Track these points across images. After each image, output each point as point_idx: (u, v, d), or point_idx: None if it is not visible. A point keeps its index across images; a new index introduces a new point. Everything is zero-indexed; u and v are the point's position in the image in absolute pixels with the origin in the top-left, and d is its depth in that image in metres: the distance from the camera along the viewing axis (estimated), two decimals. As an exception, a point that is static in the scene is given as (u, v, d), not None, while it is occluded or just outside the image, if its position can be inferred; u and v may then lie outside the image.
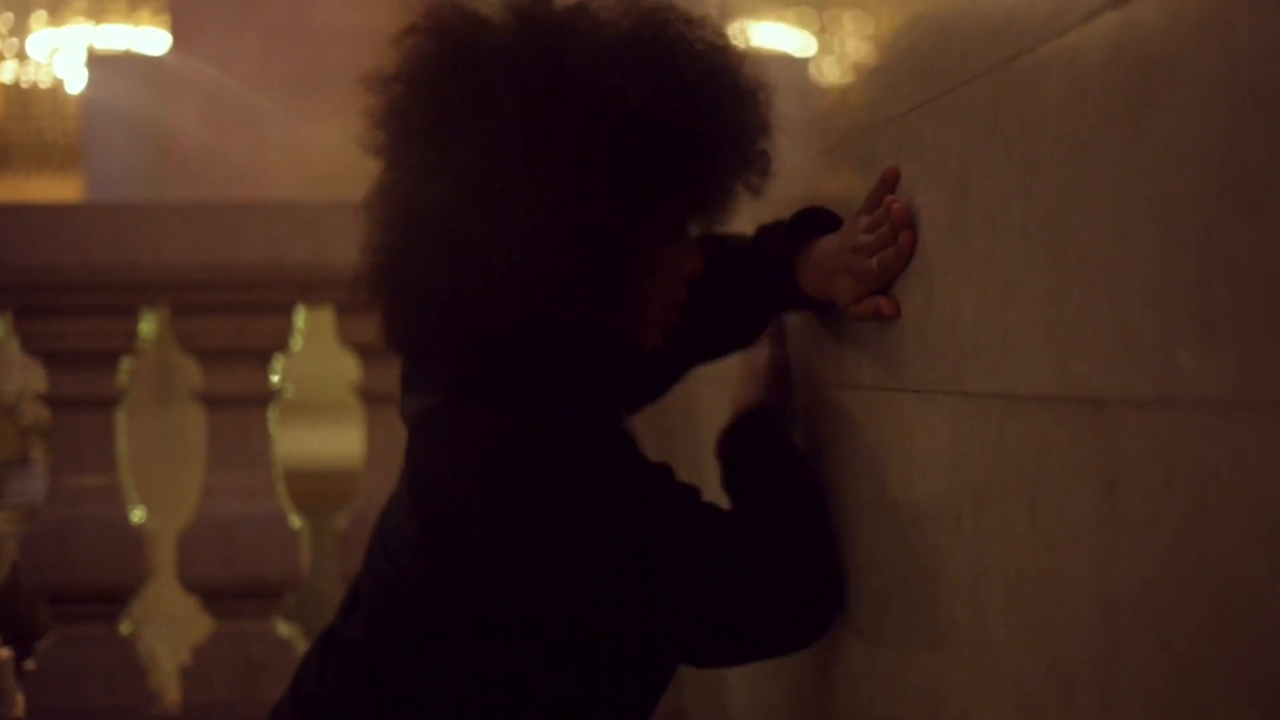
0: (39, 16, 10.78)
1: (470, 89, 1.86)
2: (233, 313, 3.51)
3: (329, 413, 4.84)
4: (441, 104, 1.88)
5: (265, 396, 3.59)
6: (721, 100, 1.91)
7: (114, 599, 3.60)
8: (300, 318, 3.56)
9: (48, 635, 3.60)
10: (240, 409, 3.59)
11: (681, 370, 2.32)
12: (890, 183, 1.80)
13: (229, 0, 10.33)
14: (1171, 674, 1.13)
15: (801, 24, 2.15)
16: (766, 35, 2.42)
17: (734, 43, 1.94)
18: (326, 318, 3.59)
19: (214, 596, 3.59)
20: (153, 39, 10.67)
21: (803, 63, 2.15)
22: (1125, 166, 1.19)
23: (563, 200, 1.82)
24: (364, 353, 3.58)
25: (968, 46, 1.55)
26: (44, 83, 11.00)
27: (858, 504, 1.91)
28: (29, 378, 4.88)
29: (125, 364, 3.59)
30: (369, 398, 3.63)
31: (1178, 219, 1.10)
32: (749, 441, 2.16)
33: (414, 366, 2.08)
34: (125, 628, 3.61)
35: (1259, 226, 1.00)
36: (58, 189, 10.85)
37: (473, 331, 1.88)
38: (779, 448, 2.14)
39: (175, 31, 10.41)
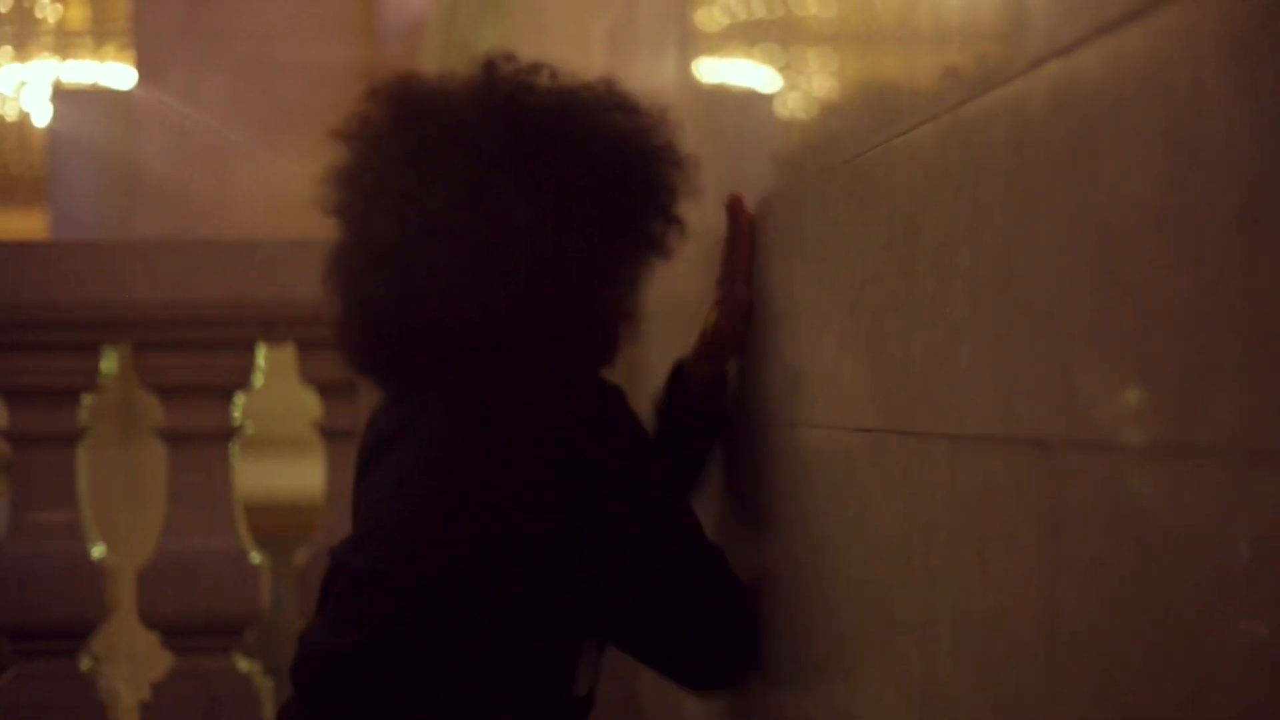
0: (5, 51, 10.77)
1: (429, 152, 1.98)
2: (195, 350, 3.51)
3: (291, 448, 4.83)
4: (402, 165, 2.00)
5: (226, 433, 3.59)
6: (657, 157, 2.14)
7: (74, 635, 3.58)
8: (262, 355, 3.56)
9: (7, 671, 3.58)
10: (201, 445, 3.59)
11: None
12: (735, 209, 2.10)
13: (194, 37, 10.35)
14: (1116, 714, 1.14)
15: (766, 61, 2.17)
16: (728, 72, 2.44)
17: (663, 117, 2.17)
18: (288, 355, 3.59)
19: (174, 632, 3.58)
20: (118, 75, 10.67)
21: (765, 100, 2.17)
22: (1069, 212, 1.20)
23: (553, 228, 2.01)
24: (324, 389, 3.58)
25: (918, 91, 1.57)
26: (10, 116, 10.99)
27: (810, 544, 1.92)
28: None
29: (87, 401, 3.58)
30: (329, 434, 3.63)
31: (1119, 265, 1.12)
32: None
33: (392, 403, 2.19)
34: (85, 664, 3.60)
35: (1195, 274, 1.02)
36: (23, 223, 10.83)
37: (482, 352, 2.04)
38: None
39: (141, 67, 10.42)
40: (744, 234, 2.13)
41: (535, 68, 2.11)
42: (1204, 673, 1.03)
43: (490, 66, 2.10)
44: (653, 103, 2.17)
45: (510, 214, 1.99)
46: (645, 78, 2.84)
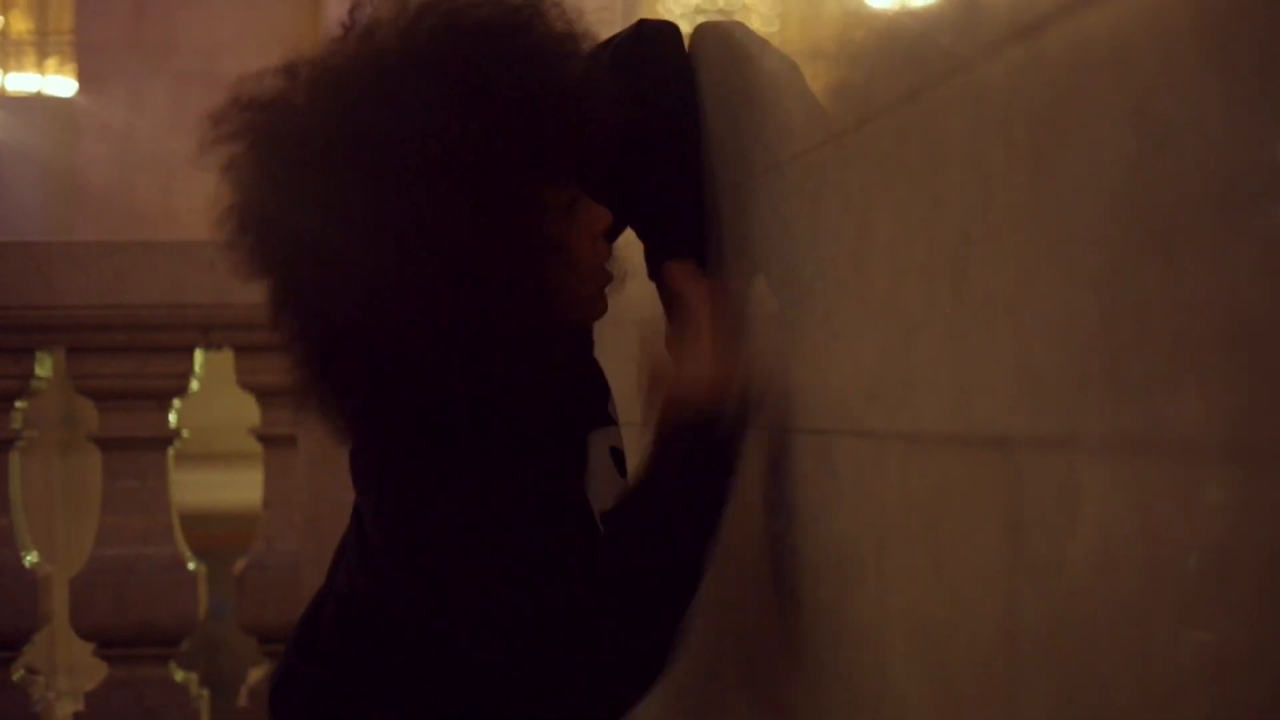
0: (-51, 62, 10.74)
1: (314, 161, 1.84)
2: (130, 354, 3.47)
3: (230, 457, 4.80)
4: (292, 187, 1.86)
5: (163, 439, 3.54)
6: (536, 63, 1.88)
7: (7, 645, 3.53)
8: (199, 360, 3.52)
9: (-62, 682, 3.53)
10: (138, 451, 3.54)
11: None
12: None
13: (138, 47, 10.31)
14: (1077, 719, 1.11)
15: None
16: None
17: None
18: (226, 360, 3.56)
19: (108, 642, 3.54)
20: (62, 85, 10.65)
21: (714, 95, 2.13)
22: (1029, 203, 1.17)
23: (446, 226, 1.79)
24: (262, 395, 3.54)
25: (871, 81, 1.53)
26: (-47, 126, 10.94)
27: (761, 549, 1.89)
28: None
29: (20, 406, 3.53)
30: (267, 441, 3.59)
31: (1082, 256, 1.08)
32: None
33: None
34: (17, 675, 3.54)
35: (1165, 263, 0.98)
36: (-35, 232, 10.76)
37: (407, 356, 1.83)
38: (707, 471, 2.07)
39: (84, 77, 10.38)
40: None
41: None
42: (1166, 680, 1.00)
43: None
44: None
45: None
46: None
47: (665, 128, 2.08)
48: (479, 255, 1.81)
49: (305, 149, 1.85)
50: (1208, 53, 0.94)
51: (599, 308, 2.00)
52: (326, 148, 1.83)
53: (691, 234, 2.08)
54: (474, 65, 1.86)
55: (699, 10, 2.31)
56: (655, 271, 2.06)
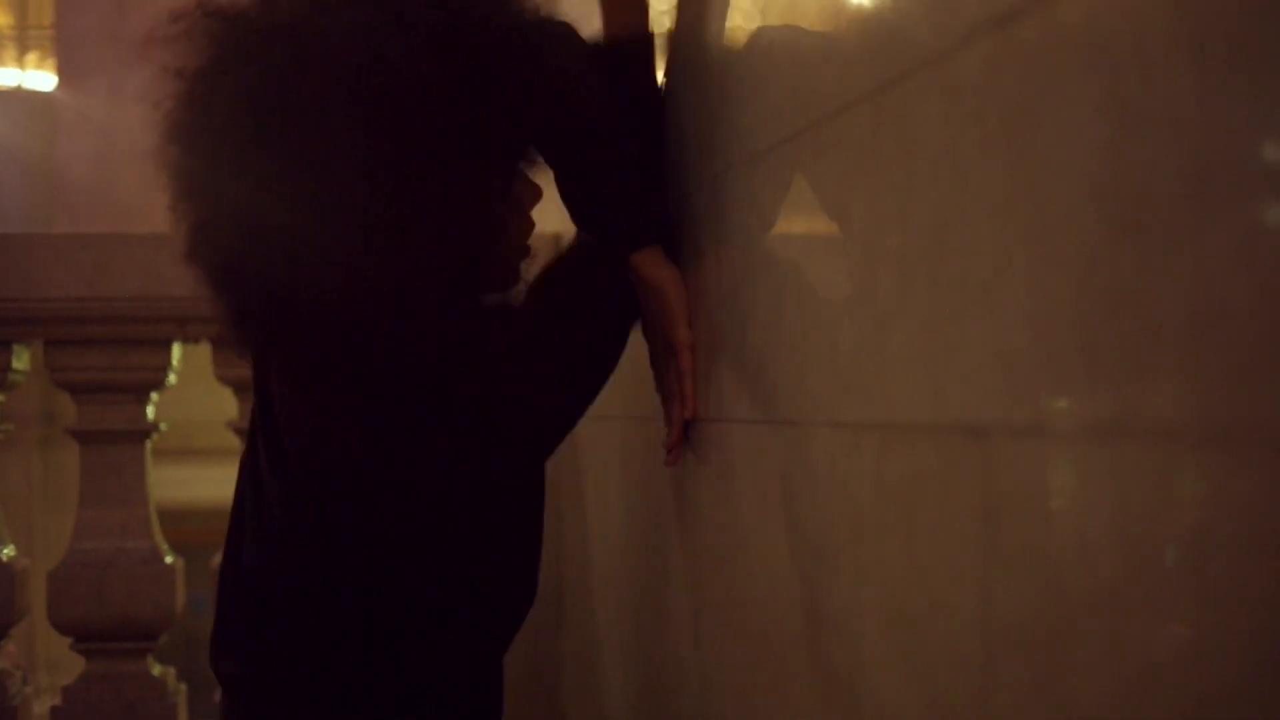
0: (-71, 58, 10.71)
1: (257, 81, 1.85)
2: (108, 347, 3.46)
3: (207, 453, 4.78)
4: (234, 105, 1.87)
5: (140, 432, 3.53)
6: (477, 42, 1.91)
7: (-17, 638, 3.52)
8: (177, 353, 3.50)
9: (-87, 675, 3.52)
10: (115, 445, 3.53)
11: None
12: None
13: (119, 41, 10.27)
14: (1053, 711, 1.10)
15: (691, 43, 2.12)
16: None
17: None
18: (204, 355, 3.55)
19: (86, 636, 3.52)
20: (42, 79, 10.63)
21: (691, 87, 2.12)
22: (1004, 190, 1.16)
23: (387, 161, 1.83)
24: (239, 389, 3.52)
25: (845, 70, 1.53)
26: (-68, 120, 10.92)
27: (737, 540, 1.88)
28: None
29: (-1, 399, 3.53)
30: (245, 434, 3.58)
31: (1056, 243, 1.08)
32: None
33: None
34: (-5, 668, 3.53)
35: (1139, 250, 0.98)
36: (-55, 226, 10.75)
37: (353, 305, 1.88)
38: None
39: (64, 71, 10.36)
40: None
41: None
42: (1143, 671, 0.99)
43: None
44: None
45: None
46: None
47: (630, 121, 2.09)
48: (409, 205, 1.83)
49: (248, 72, 1.87)
50: (1181, 43, 0.94)
51: (513, 279, 2.06)
52: (267, 76, 1.85)
53: (660, 222, 2.08)
54: (438, 9, 1.88)
55: None
56: (622, 263, 2.06)
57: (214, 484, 5.10)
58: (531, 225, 2.05)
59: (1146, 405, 0.98)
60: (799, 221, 1.69)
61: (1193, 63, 0.93)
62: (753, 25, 1.86)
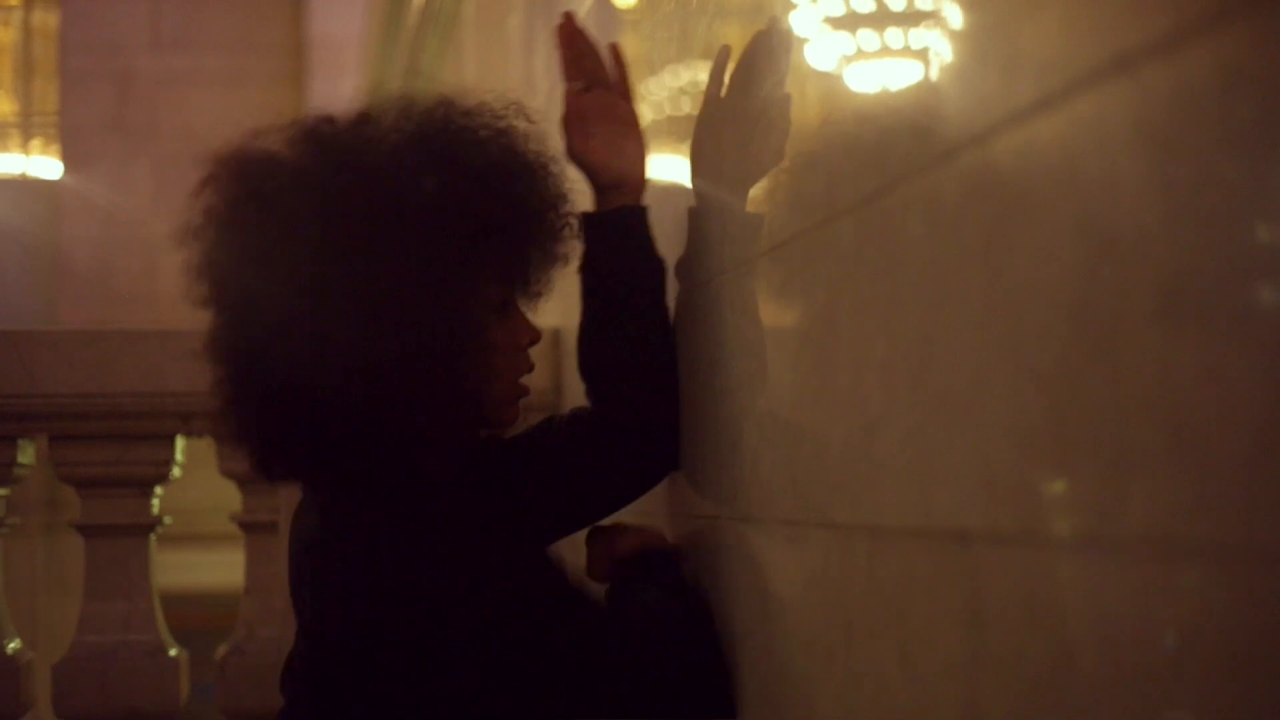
0: (-67, 144, 10.74)
1: (276, 216, 1.91)
2: (112, 442, 3.47)
3: (211, 539, 4.79)
4: (254, 236, 1.93)
5: (145, 526, 3.54)
6: (509, 178, 2.01)
7: (-11, 732, 3.52)
8: (181, 447, 3.52)
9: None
10: (119, 539, 3.54)
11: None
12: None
13: (122, 130, 10.34)
14: (1037, 812, 1.12)
15: (683, 151, 2.15)
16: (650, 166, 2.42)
17: (514, 123, 2.04)
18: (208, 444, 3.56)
19: (91, 729, 3.52)
20: (46, 166, 10.65)
21: (685, 191, 2.15)
22: (983, 304, 1.19)
23: (385, 295, 1.88)
24: (243, 482, 3.54)
25: (833, 181, 1.56)
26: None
27: (734, 638, 1.90)
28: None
29: (2, 493, 3.53)
30: (248, 527, 3.59)
31: (1032, 357, 1.11)
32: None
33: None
34: (0, 761, 3.53)
35: (1109, 366, 1.01)
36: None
37: (334, 436, 1.92)
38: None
39: (67, 159, 10.41)
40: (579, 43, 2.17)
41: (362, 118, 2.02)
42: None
43: (317, 124, 2.01)
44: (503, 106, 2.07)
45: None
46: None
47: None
48: (411, 327, 1.88)
49: (280, 202, 1.93)
50: (1148, 164, 0.97)
51: (510, 417, 2.09)
52: (299, 200, 1.91)
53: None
54: (451, 145, 1.98)
55: (670, 114, 2.34)
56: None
57: (218, 569, 5.12)
58: (530, 365, 2.08)
59: (1124, 515, 1.00)
60: (789, 327, 1.71)
61: (1157, 187, 0.96)
62: (751, 140, 1.89)
